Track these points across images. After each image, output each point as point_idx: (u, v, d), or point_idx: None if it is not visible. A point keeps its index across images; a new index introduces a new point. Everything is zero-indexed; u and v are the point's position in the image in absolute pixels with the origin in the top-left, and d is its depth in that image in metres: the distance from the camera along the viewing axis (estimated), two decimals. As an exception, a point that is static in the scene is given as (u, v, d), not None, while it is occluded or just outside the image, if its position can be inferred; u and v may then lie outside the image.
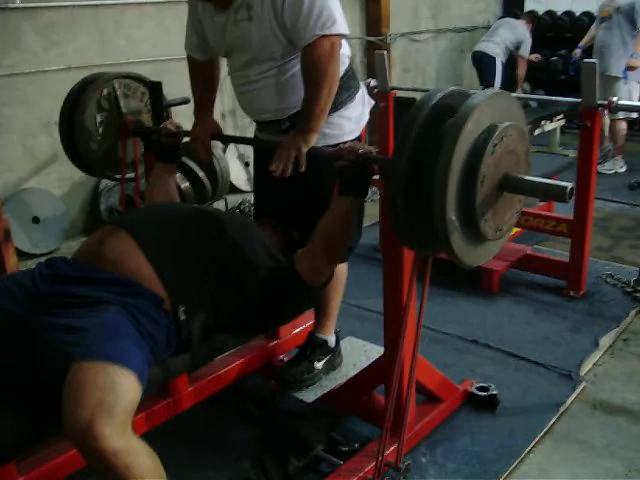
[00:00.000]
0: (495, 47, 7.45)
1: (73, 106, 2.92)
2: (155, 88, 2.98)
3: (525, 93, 7.88)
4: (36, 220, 4.67)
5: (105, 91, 2.98)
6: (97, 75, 3.06)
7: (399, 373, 2.08)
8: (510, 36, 7.53)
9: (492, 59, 7.43)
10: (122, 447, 1.52)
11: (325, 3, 2.20)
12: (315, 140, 2.29)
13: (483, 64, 7.52)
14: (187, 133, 2.61)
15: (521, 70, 7.75)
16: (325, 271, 2.13)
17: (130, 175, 3.18)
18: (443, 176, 1.62)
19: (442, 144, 1.63)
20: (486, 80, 7.44)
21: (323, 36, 2.20)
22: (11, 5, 4.36)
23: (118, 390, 1.61)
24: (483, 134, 1.67)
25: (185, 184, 4.85)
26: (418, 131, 1.71)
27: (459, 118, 1.64)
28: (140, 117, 3.09)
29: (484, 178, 1.68)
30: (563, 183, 1.73)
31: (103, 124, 2.98)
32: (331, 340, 2.74)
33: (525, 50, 7.64)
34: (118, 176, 3.15)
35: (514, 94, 6.80)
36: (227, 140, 2.65)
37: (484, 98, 1.68)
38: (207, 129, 2.64)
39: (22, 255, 4.34)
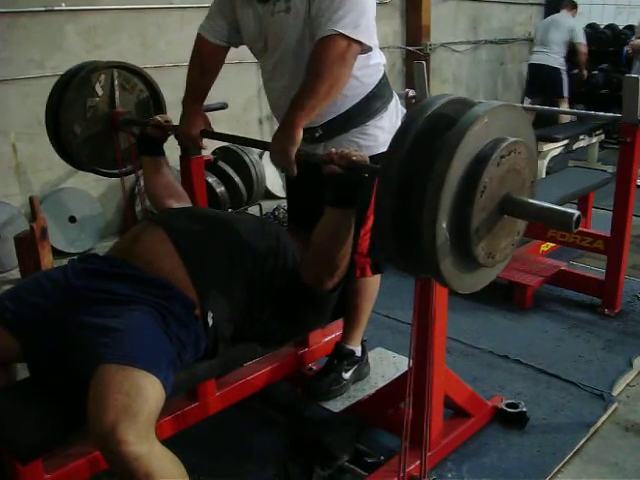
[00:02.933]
0: (556, 57, 7.16)
1: (65, 86, 2.79)
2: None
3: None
4: (72, 219, 4.74)
5: (102, 77, 2.86)
6: (96, 62, 2.94)
7: (412, 386, 1.97)
8: (562, 36, 7.19)
9: (557, 71, 7.15)
10: (144, 452, 1.53)
11: (354, 8, 2.08)
12: (301, 136, 2.11)
13: (545, 77, 7.21)
14: (175, 127, 2.51)
15: (582, 56, 7.35)
16: (325, 279, 2.07)
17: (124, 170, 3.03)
18: (440, 175, 1.46)
19: (443, 149, 1.49)
20: (554, 92, 7.20)
21: (341, 35, 2.05)
22: (56, 8, 4.44)
23: (143, 396, 1.61)
24: (490, 143, 1.55)
25: (220, 188, 4.89)
26: (415, 134, 1.57)
27: (467, 121, 1.51)
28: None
29: (485, 189, 1.53)
30: (570, 210, 1.58)
31: (92, 109, 2.85)
32: (358, 350, 2.73)
33: (580, 37, 7.26)
34: (108, 171, 3.02)
35: (556, 108, 6.77)
36: (218, 138, 2.55)
37: (497, 105, 1.58)
38: (197, 125, 2.48)
39: (57, 253, 4.40)
